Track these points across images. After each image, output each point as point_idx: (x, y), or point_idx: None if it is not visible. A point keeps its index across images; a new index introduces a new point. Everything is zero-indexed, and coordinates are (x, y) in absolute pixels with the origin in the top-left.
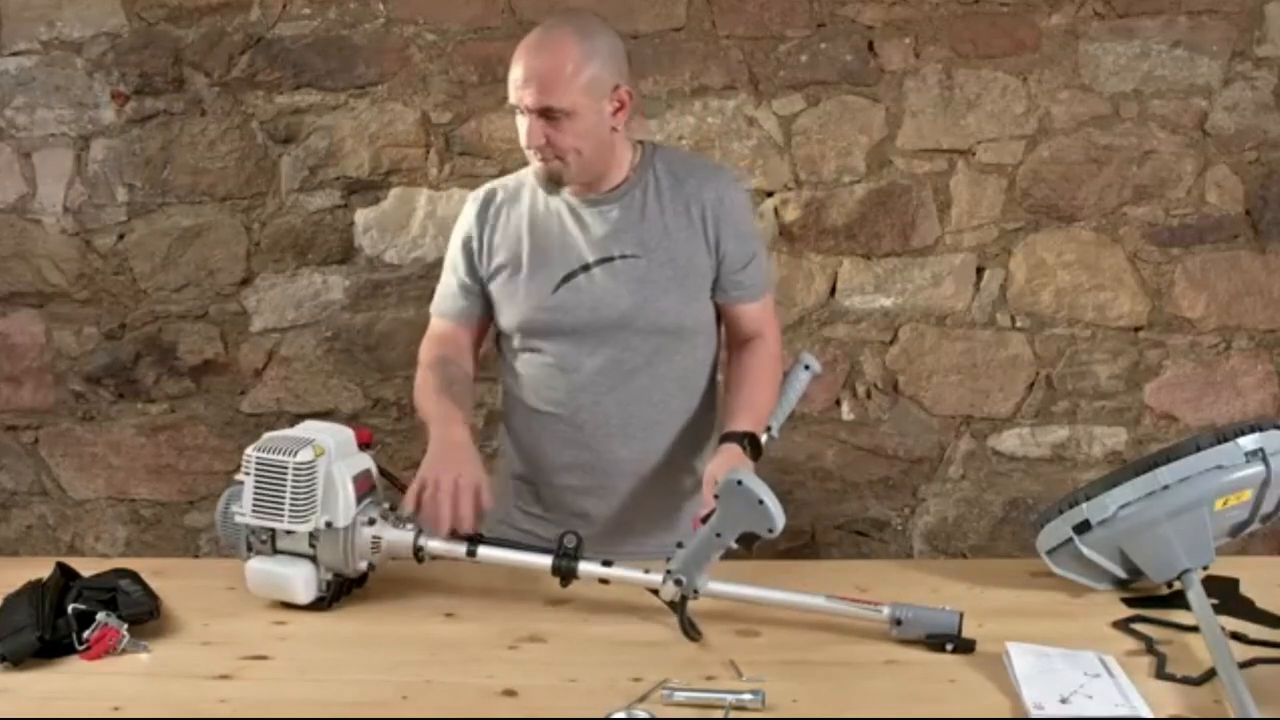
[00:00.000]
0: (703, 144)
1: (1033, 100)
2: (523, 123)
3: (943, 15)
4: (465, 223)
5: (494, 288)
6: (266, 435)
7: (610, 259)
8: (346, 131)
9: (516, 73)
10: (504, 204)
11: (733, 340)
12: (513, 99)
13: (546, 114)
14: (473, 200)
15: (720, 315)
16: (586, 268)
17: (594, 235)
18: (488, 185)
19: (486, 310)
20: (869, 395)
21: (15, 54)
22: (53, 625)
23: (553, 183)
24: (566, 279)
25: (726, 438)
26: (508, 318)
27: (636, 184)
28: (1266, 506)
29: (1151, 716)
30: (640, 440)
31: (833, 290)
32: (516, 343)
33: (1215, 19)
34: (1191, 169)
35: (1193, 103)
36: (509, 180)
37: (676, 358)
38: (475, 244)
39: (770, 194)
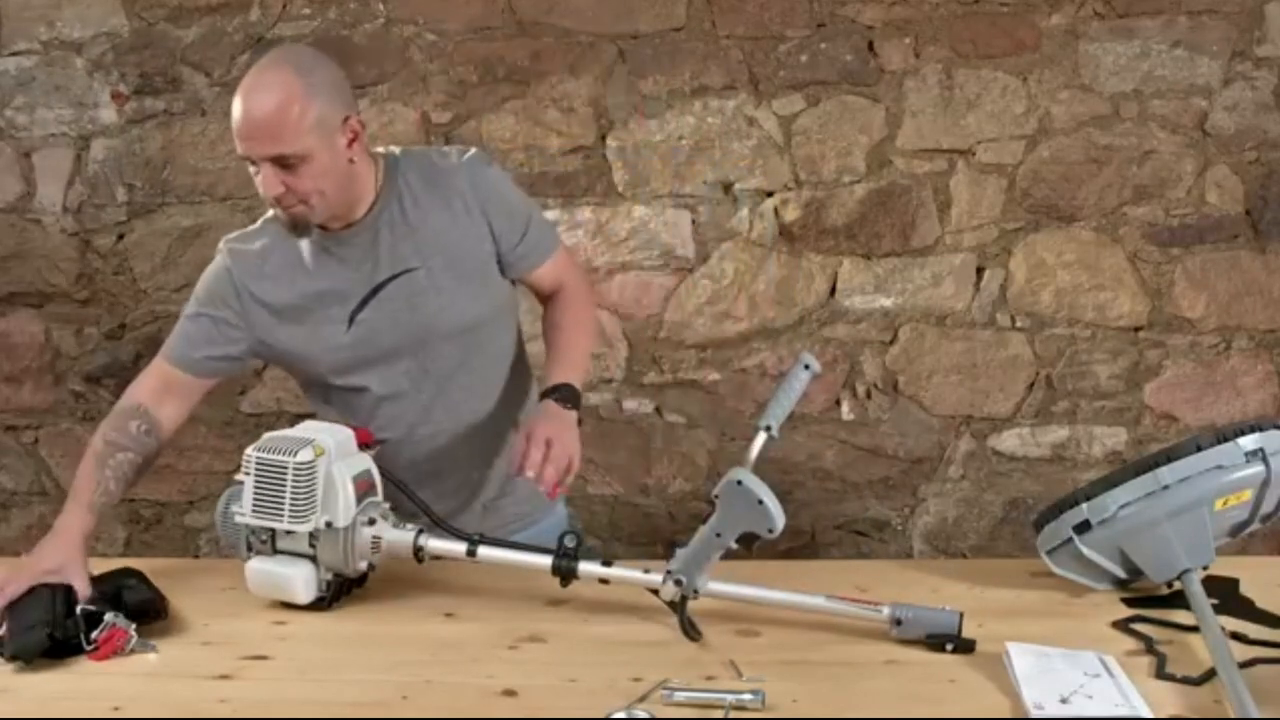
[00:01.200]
0: (703, 144)
1: (1033, 100)
2: (255, 173)
3: (943, 15)
4: (219, 282)
5: (277, 344)
6: (266, 435)
7: (391, 279)
8: None
9: (239, 123)
10: (258, 260)
11: (541, 300)
12: (241, 151)
13: (280, 161)
14: (226, 254)
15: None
16: (371, 295)
17: (366, 263)
18: (233, 242)
19: (227, 366)
20: (869, 395)
21: (15, 54)
22: (63, 624)
23: (299, 229)
24: (355, 314)
25: (544, 395)
26: (308, 366)
27: (391, 199)
28: (1266, 506)
29: (1151, 716)
30: (475, 431)
31: (833, 290)
32: (327, 384)
33: (1215, 19)
34: (1191, 169)
35: (1193, 103)
36: (255, 232)
37: (487, 347)
38: (234, 305)
39: (770, 194)
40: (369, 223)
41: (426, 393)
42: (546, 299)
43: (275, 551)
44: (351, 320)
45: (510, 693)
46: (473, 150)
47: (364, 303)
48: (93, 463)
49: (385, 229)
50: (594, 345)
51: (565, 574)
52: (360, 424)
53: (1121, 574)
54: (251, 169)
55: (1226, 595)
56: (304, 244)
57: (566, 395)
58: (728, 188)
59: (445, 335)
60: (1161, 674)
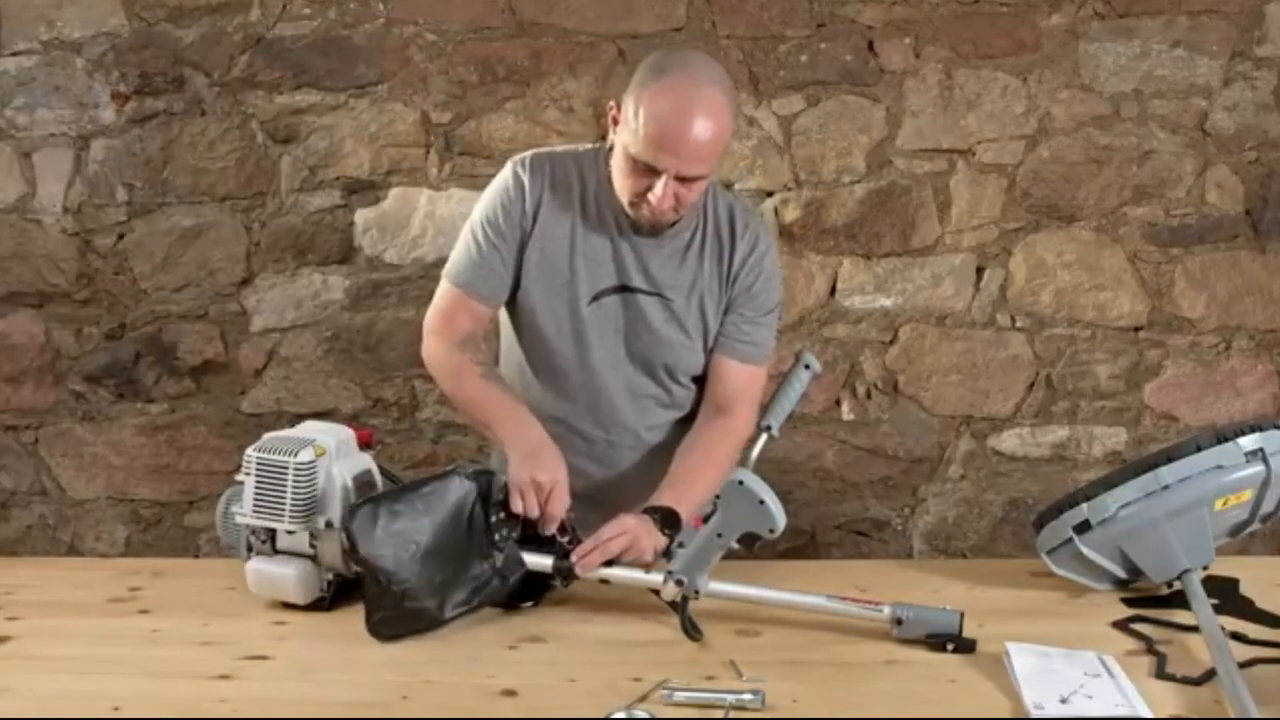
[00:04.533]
0: None
1: (1033, 100)
2: (638, 177)
3: (943, 15)
4: (513, 189)
5: (529, 268)
6: (267, 435)
7: (648, 292)
8: (346, 131)
9: (667, 137)
10: (558, 183)
11: (708, 400)
12: (648, 158)
13: (685, 178)
14: (522, 167)
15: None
16: (621, 290)
17: (638, 260)
18: (534, 154)
19: (511, 290)
20: (869, 395)
21: (15, 54)
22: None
23: (655, 231)
24: (599, 295)
25: (648, 510)
26: (541, 316)
27: (690, 224)
28: (1266, 506)
29: (1151, 716)
30: (638, 457)
31: (833, 290)
32: (533, 339)
33: (1215, 19)
34: (1191, 169)
35: (1193, 103)
36: (557, 155)
37: (660, 398)
38: (524, 215)
39: (770, 194)
40: (668, 232)
41: (615, 400)
42: (714, 408)
43: (275, 551)
44: (594, 299)
45: (510, 693)
46: (759, 212)
47: (610, 291)
48: (494, 382)
49: (671, 247)
50: (712, 491)
51: (565, 574)
52: (534, 389)
53: (1121, 574)
54: (630, 168)
55: (1226, 595)
56: (596, 198)
57: (668, 520)
58: (728, 187)
59: (644, 366)
60: (1161, 674)
